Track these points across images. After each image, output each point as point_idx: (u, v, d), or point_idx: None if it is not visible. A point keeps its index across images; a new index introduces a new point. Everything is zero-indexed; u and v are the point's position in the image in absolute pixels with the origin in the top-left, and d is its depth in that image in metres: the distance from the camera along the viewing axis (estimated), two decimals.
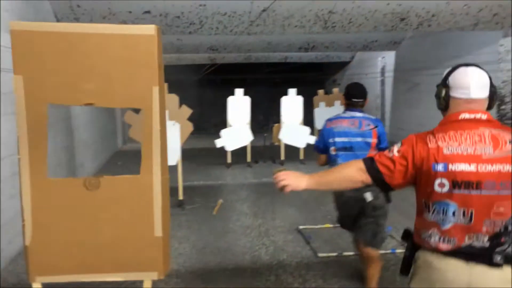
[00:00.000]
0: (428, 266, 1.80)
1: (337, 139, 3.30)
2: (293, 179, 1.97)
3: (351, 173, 1.89)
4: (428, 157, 1.74)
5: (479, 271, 1.70)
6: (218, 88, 16.17)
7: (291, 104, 9.45)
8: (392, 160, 1.81)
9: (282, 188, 1.98)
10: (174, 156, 6.14)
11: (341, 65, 15.81)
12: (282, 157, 9.53)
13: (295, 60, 14.90)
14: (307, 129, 9.49)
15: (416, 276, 1.86)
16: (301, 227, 5.15)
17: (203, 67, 15.98)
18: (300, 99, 9.49)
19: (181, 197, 6.23)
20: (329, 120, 3.44)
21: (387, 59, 12.86)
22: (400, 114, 12.29)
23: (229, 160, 9.26)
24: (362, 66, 14.46)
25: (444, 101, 1.86)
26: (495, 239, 1.70)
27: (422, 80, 11.07)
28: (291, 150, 9.70)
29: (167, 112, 6.19)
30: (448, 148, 1.72)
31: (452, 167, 1.70)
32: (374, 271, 3.34)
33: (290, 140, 9.49)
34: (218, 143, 9.06)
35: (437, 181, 1.72)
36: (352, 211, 3.34)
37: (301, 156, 9.59)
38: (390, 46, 12.08)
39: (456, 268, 1.73)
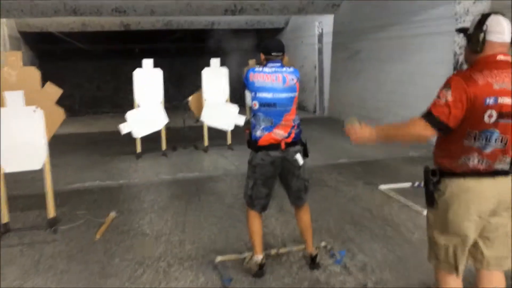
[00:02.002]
0: (464, 191, 2.12)
1: (260, 95, 3.16)
2: (363, 133, 2.29)
3: (419, 131, 2.11)
4: (480, 93, 1.99)
5: (504, 182, 2.12)
6: (132, 60, 13.99)
7: (214, 77, 7.72)
8: (447, 105, 2.03)
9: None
10: (37, 157, 4.26)
11: (274, 32, 14.19)
12: (206, 142, 7.85)
13: (223, 26, 13.10)
14: (235, 108, 7.84)
15: (452, 204, 2.14)
16: (219, 258, 3.55)
17: (116, 36, 13.71)
18: (225, 71, 7.78)
19: (52, 213, 4.39)
20: (252, 71, 3.20)
21: (325, 24, 11.40)
22: (339, 85, 10.94)
23: (138, 149, 7.43)
24: (297, 32, 12.93)
25: (482, 44, 2.06)
26: None
27: (363, 47, 9.72)
28: (217, 133, 8.05)
29: (20, 93, 4.31)
30: (497, 84, 1.99)
31: (501, 100, 1.98)
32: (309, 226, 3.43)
33: (214, 121, 7.81)
34: (123, 128, 7.19)
35: (487, 113, 1.99)
36: (275, 173, 3.29)
37: (229, 140, 7.96)
38: (328, 9, 10.61)
39: (488, 185, 2.10)
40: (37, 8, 8.79)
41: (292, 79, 3.17)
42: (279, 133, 3.19)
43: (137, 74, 7.30)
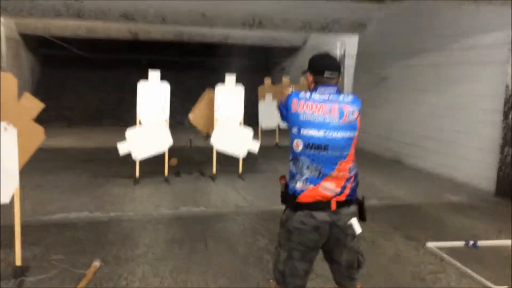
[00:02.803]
0: None
1: (306, 132, 2.26)
2: None
3: None
4: None
5: None
6: (138, 71, 13.14)
7: (228, 95, 6.82)
8: None
9: None
10: (5, 188, 3.33)
11: (291, 51, 13.38)
12: (214, 169, 6.90)
13: (237, 41, 12.28)
14: (249, 132, 6.93)
15: None
16: None
17: (123, 45, 12.92)
18: (240, 89, 6.88)
19: (19, 261, 3.43)
20: (297, 97, 2.31)
21: (348, 45, 10.56)
22: (363, 114, 10.02)
23: (137, 172, 6.49)
24: (316, 51, 12.07)
25: None
26: None
27: (392, 73, 8.83)
28: (226, 158, 7.12)
29: None
30: None
31: None
32: None
33: (226, 146, 6.88)
34: (121, 148, 6.27)
35: None
36: (318, 243, 2.33)
37: (240, 168, 7.02)
38: (354, 28, 9.76)
39: None
40: (37, 9, 7.96)
41: (352, 112, 2.30)
42: (330, 188, 2.27)
43: (141, 86, 6.40)
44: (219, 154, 6.91)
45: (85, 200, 5.54)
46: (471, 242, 4.41)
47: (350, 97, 2.32)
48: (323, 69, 2.32)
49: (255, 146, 6.89)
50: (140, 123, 6.38)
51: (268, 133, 10.01)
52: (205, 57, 13.86)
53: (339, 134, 2.25)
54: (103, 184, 6.37)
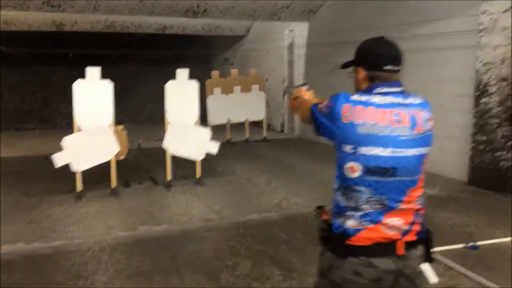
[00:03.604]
0: None
1: (367, 151, 1.59)
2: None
3: None
4: None
5: None
6: (65, 66, 11.80)
7: (181, 92, 6.02)
8: None
9: None
10: None
11: (234, 40, 12.67)
12: (169, 175, 6.09)
13: (176, 31, 11.37)
14: (207, 132, 6.19)
15: None
16: None
17: (47, 37, 11.51)
18: (194, 85, 6.11)
19: None
20: (349, 101, 1.63)
21: (298, 33, 10.05)
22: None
23: (78, 186, 5.53)
24: (261, 41, 11.48)
25: None
26: None
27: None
28: (181, 162, 6.34)
29: None
30: None
31: None
32: None
33: (181, 150, 6.10)
34: (58, 159, 5.29)
35: None
36: None
37: (198, 173, 6.27)
38: (304, 16, 9.26)
39: None
40: None
41: (427, 120, 1.68)
42: (396, 225, 1.66)
43: (78, 87, 5.42)
44: (173, 158, 6.11)
45: (18, 228, 4.54)
46: (471, 243, 4.06)
47: (418, 99, 1.70)
48: (384, 61, 1.68)
49: (213, 148, 6.17)
50: (79, 128, 5.42)
51: (217, 128, 9.14)
52: (140, 49, 12.75)
53: (411, 151, 1.63)
54: (38, 203, 5.35)
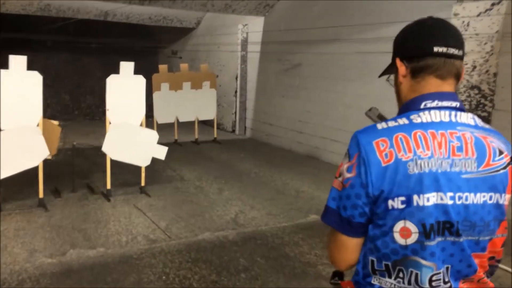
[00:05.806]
0: None
1: (424, 201, 1.04)
2: None
3: None
4: None
5: None
6: None
7: (125, 89, 5.27)
8: None
9: None
10: None
11: (183, 32, 11.88)
12: (109, 184, 5.32)
13: (119, 19, 10.41)
14: (154, 135, 5.48)
15: None
16: None
17: None
18: (140, 82, 5.37)
19: None
20: (377, 132, 1.10)
21: (252, 28, 9.48)
22: (269, 103, 9.08)
23: None
24: (212, 35, 10.79)
25: None
26: None
27: (305, 60, 7.99)
28: (122, 166, 5.60)
29: None
30: None
31: None
32: None
33: (124, 154, 5.35)
34: None
35: None
36: None
37: (142, 180, 5.55)
38: (259, 10, 8.71)
39: None
40: None
41: (502, 152, 1.12)
42: None
43: (1, 79, 4.53)
44: (114, 163, 5.36)
45: None
46: None
47: (481, 121, 1.16)
48: (431, 39, 1.13)
49: (161, 153, 5.48)
50: None
51: (163, 126, 8.28)
52: (78, 36, 11.62)
53: (479, 198, 1.08)
54: None
